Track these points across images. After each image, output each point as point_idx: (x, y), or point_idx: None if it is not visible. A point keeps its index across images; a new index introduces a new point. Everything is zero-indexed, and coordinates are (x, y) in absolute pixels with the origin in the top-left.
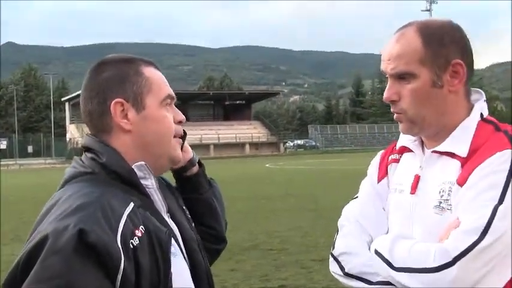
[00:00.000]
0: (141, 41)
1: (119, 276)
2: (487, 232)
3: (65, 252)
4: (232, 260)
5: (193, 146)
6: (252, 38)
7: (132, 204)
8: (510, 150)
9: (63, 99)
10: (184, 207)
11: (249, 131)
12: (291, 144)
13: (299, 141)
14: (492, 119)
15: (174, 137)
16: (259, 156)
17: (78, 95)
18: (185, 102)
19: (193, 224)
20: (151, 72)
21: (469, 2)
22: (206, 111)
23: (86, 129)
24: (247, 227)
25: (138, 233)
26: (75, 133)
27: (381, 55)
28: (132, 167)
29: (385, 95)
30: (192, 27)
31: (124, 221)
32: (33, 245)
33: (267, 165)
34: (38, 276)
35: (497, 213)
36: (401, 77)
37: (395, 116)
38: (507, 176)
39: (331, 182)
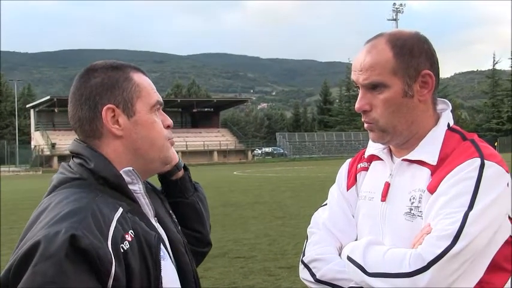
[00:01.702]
0: (108, 48)
1: (111, 281)
2: (458, 238)
3: (57, 258)
4: (200, 268)
5: None
6: (220, 45)
7: (121, 210)
8: (478, 159)
9: (28, 106)
10: (170, 211)
11: (217, 138)
12: (259, 151)
13: (267, 149)
14: (458, 128)
15: (167, 140)
16: (227, 163)
17: (43, 102)
18: None
19: (179, 227)
20: (140, 78)
21: (434, 12)
22: (174, 119)
23: (52, 137)
24: (215, 235)
25: (128, 237)
26: (40, 140)
27: (348, 63)
28: (121, 172)
29: (357, 105)
30: (160, 34)
31: (114, 226)
32: (24, 251)
33: (235, 172)
34: (30, 282)
35: (467, 219)
36: (374, 87)
37: (366, 125)
38: (476, 183)
39: (299, 190)
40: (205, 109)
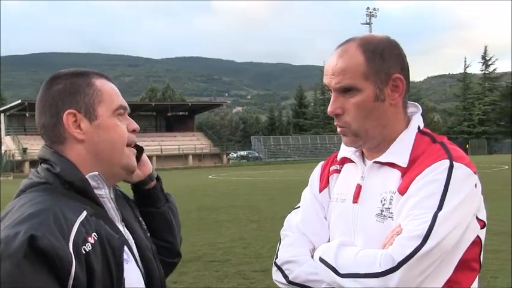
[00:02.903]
0: (81, 51)
1: (71, 281)
2: (428, 238)
3: (16, 258)
4: (174, 273)
5: None
6: (194, 49)
7: (85, 213)
8: (447, 160)
9: None
10: (140, 218)
11: (192, 142)
12: (234, 155)
13: (242, 153)
14: (428, 131)
15: (128, 145)
16: (202, 167)
17: (14, 106)
18: None
19: (148, 234)
20: (103, 83)
21: (407, 16)
22: (148, 123)
23: (23, 142)
24: (190, 239)
25: (91, 239)
26: (11, 145)
27: (322, 67)
28: (86, 177)
29: (329, 108)
30: (134, 37)
31: (76, 228)
32: None
33: (210, 176)
34: None
35: (437, 220)
36: (346, 91)
37: (339, 129)
38: (445, 184)
39: (274, 193)
40: (180, 113)
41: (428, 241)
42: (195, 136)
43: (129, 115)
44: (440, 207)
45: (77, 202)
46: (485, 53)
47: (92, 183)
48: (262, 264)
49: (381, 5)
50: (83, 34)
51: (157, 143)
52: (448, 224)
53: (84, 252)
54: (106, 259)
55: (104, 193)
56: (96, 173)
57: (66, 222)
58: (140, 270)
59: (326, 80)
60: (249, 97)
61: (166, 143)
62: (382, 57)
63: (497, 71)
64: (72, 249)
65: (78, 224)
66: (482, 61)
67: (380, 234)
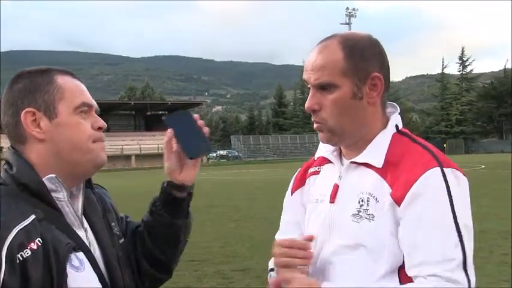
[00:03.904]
0: (59, 49)
1: None
2: (466, 266)
3: None
4: None
5: (114, 157)
6: (174, 48)
7: (32, 217)
8: (438, 168)
9: None
10: (112, 224)
11: None
12: (214, 154)
13: (222, 152)
14: (406, 131)
15: (95, 142)
16: None
17: None
18: (106, 112)
19: (121, 241)
20: (65, 80)
21: (386, 17)
22: (127, 122)
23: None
24: None
25: (34, 245)
26: None
27: (302, 66)
28: (43, 179)
29: (306, 104)
30: (113, 36)
31: (14, 234)
32: None
33: None
34: None
35: (463, 237)
36: (324, 87)
37: (315, 125)
38: (449, 199)
39: (253, 192)
40: (160, 112)
41: (468, 270)
42: None
43: (108, 114)
44: (457, 223)
45: (29, 205)
46: (462, 53)
47: (49, 185)
48: (241, 264)
49: (360, 5)
50: (61, 32)
51: (136, 142)
52: (469, 237)
53: (20, 258)
54: (48, 265)
55: (61, 196)
56: (53, 175)
57: (4, 228)
58: (104, 276)
59: (305, 75)
60: (228, 96)
61: (146, 142)
62: (362, 55)
63: (474, 71)
64: (6, 255)
65: (17, 230)
66: (460, 62)
67: (355, 234)
